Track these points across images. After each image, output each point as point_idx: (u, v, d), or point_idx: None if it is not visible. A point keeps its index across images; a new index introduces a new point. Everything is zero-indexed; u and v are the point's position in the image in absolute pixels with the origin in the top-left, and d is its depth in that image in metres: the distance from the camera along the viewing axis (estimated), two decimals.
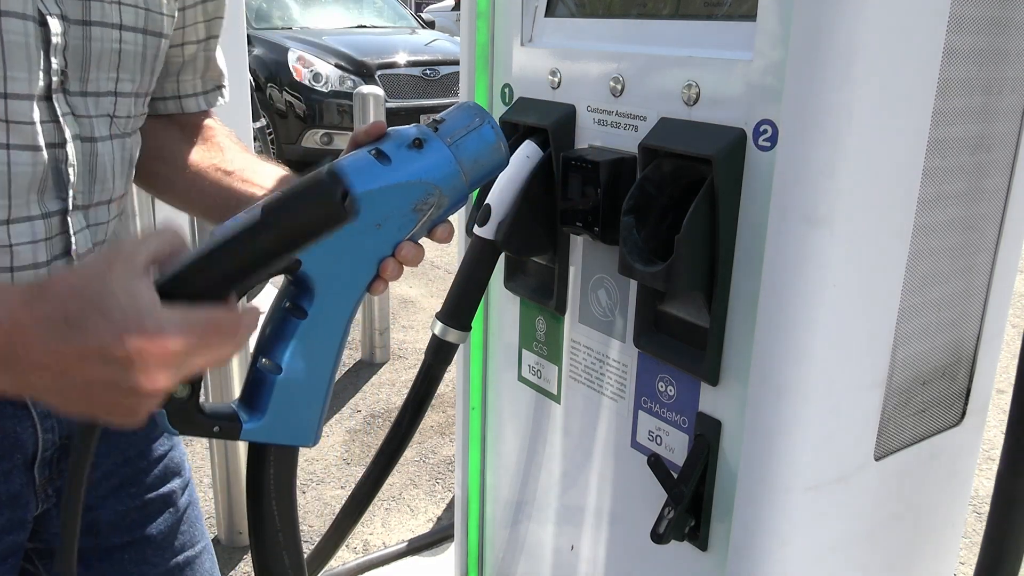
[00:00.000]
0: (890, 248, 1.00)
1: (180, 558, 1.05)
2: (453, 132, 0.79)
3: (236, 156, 1.06)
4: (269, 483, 0.79)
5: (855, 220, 0.94)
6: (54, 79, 0.78)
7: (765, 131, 0.96)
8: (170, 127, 1.06)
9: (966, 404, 1.22)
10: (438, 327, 1.23)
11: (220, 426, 0.74)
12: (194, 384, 0.70)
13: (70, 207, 0.81)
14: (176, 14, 0.95)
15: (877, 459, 1.10)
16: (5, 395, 0.68)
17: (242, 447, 2.43)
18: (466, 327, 1.22)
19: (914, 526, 1.23)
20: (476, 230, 1.23)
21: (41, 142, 0.77)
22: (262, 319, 0.75)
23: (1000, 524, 1.05)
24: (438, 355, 1.24)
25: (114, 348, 0.58)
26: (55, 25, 0.76)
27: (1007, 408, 1.11)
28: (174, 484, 1.05)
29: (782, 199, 0.93)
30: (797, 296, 0.95)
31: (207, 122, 1.09)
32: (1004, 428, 1.12)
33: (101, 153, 0.85)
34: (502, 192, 1.23)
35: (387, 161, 0.75)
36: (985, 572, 1.05)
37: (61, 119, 0.79)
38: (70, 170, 0.81)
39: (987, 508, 1.14)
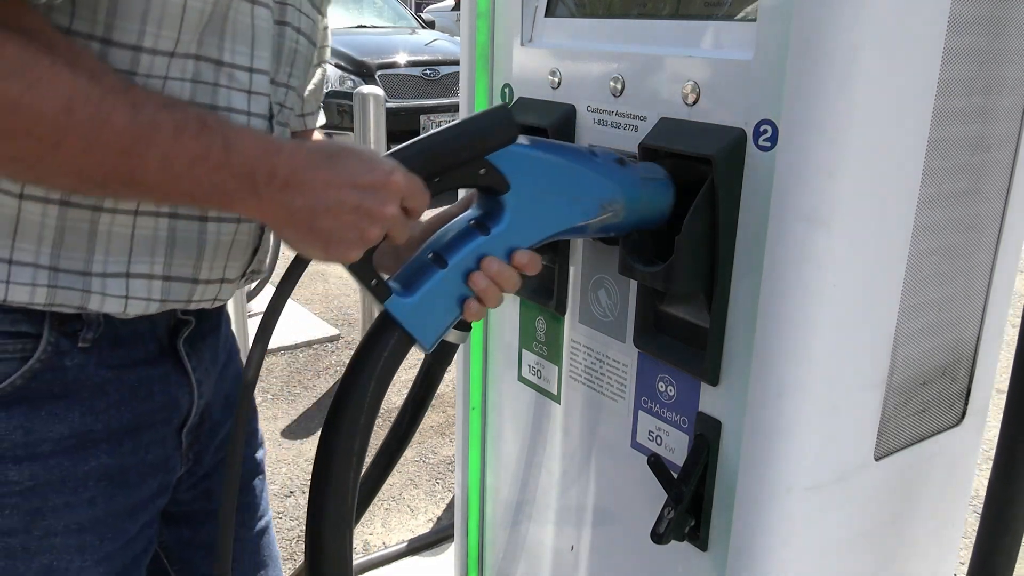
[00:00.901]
0: (890, 248, 1.00)
1: (262, 523, 1.16)
2: (646, 171, 1.00)
3: None
4: (377, 365, 0.85)
5: (855, 220, 0.94)
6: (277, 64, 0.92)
7: (765, 131, 0.96)
8: None
9: (966, 404, 1.22)
10: None
11: (378, 282, 0.84)
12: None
13: None
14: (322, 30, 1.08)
15: (877, 459, 1.10)
16: (255, 218, 0.82)
17: None
18: (466, 327, 1.22)
19: (914, 526, 1.23)
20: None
21: (267, 112, 0.90)
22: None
23: (992, 528, 1.04)
24: (438, 355, 1.24)
25: (365, 177, 0.78)
26: (271, 13, 0.89)
27: None
28: (260, 454, 1.17)
29: (782, 199, 0.93)
30: (797, 296, 0.95)
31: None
32: None
33: (274, 133, 0.97)
34: None
35: (594, 159, 0.94)
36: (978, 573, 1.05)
37: (275, 98, 0.93)
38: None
39: None
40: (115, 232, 0.81)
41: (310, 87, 1.12)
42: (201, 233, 0.87)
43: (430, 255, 0.86)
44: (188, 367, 0.95)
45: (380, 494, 2.85)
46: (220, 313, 1.05)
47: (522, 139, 0.91)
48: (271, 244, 1.02)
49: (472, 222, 0.89)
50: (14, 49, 0.65)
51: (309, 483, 0.90)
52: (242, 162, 0.75)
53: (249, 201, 0.77)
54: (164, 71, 0.79)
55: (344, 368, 0.89)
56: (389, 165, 0.80)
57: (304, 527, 0.88)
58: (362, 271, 0.83)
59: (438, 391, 1.27)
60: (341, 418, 0.85)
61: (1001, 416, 1.07)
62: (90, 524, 0.88)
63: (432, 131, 0.85)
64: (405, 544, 2.49)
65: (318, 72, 1.15)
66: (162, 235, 0.85)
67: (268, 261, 1.04)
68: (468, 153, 0.85)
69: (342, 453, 0.85)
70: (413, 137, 0.86)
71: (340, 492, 0.85)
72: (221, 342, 1.06)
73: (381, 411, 0.87)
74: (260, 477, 1.17)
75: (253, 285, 3.88)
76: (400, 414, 1.26)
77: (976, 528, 1.11)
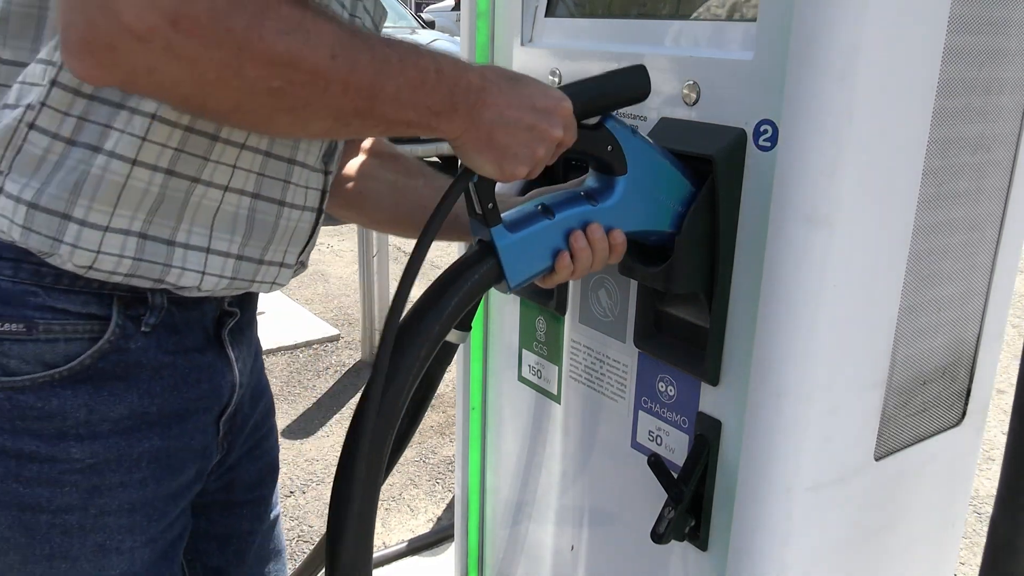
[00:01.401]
0: (890, 248, 1.00)
1: (273, 515, 1.19)
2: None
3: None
4: (464, 285, 0.92)
5: (855, 220, 0.94)
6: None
7: (765, 131, 0.96)
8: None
9: (966, 404, 1.22)
10: None
11: (493, 206, 0.91)
12: None
13: (328, 169, 0.98)
14: None
15: (877, 459, 1.10)
16: (446, 135, 0.85)
17: None
18: (466, 327, 1.22)
19: (914, 526, 1.23)
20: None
21: (318, 205, 0.97)
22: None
23: (1004, 529, 1.04)
24: (438, 355, 1.24)
25: (541, 100, 0.86)
26: None
27: (1007, 408, 1.11)
28: (278, 449, 1.21)
29: (782, 199, 0.93)
30: (797, 296, 0.95)
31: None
32: (1004, 428, 1.12)
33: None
34: (502, 192, 1.23)
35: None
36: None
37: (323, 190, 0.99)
38: (318, 231, 1.02)
39: (987, 508, 1.14)
40: (204, 205, 0.85)
41: None
42: (277, 216, 0.92)
43: (539, 207, 0.94)
44: (231, 357, 0.98)
45: (380, 494, 2.84)
46: (255, 308, 1.09)
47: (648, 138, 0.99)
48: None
49: (583, 192, 0.97)
50: (288, 7, 0.68)
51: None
52: (449, 82, 0.80)
53: (450, 116, 0.82)
54: (233, 160, 0.85)
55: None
56: (560, 93, 0.88)
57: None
58: (484, 191, 0.90)
59: (438, 391, 1.27)
60: (419, 324, 0.91)
61: (1001, 416, 1.07)
62: (140, 505, 0.90)
63: (589, 78, 0.95)
64: (405, 544, 2.49)
65: None
66: (243, 213, 0.89)
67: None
68: (617, 99, 0.96)
69: (411, 359, 0.90)
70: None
71: (396, 392, 0.90)
72: (254, 336, 1.09)
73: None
74: (276, 472, 1.21)
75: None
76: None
77: (976, 528, 1.11)
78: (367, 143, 1.22)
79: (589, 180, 1.00)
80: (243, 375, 1.02)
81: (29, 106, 0.78)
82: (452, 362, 1.28)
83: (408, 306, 0.90)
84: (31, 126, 0.78)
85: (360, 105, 0.75)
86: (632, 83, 0.96)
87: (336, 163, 1.02)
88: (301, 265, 1.03)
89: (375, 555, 2.43)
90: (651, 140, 1.00)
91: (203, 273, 0.87)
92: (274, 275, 0.96)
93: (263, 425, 1.15)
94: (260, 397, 1.14)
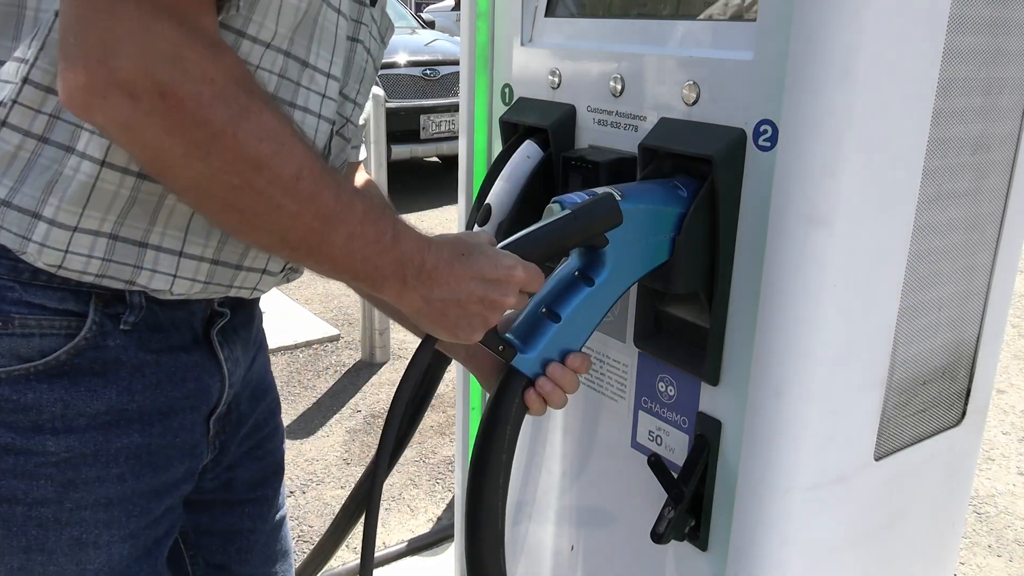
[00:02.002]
0: (890, 248, 1.00)
1: (278, 516, 1.20)
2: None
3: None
4: (511, 412, 0.96)
5: (855, 220, 0.94)
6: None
7: (765, 131, 0.96)
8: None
9: (966, 404, 1.22)
10: None
11: (504, 347, 0.95)
12: None
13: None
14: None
15: (877, 459, 1.10)
16: (395, 302, 0.87)
17: None
18: None
19: (914, 526, 1.23)
20: (476, 230, 1.23)
21: (334, 117, 0.95)
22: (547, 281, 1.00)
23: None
24: (437, 354, 1.24)
25: (491, 272, 0.87)
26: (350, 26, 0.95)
27: (1007, 408, 1.11)
28: (282, 450, 1.21)
29: (782, 199, 0.93)
30: (797, 296, 0.95)
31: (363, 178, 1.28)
32: (1004, 428, 1.12)
33: (334, 145, 1.02)
34: (502, 191, 1.23)
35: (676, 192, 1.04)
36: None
37: (347, 100, 0.99)
38: (331, 145, 0.99)
39: (987, 508, 1.14)
40: (178, 209, 0.85)
41: (364, 116, 1.18)
42: None
43: (543, 310, 0.97)
44: (220, 357, 0.98)
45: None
46: (254, 306, 1.09)
47: (608, 190, 0.98)
48: None
49: (576, 273, 0.99)
50: (271, 116, 0.73)
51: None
52: (403, 252, 0.83)
53: (397, 286, 0.84)
54: (258, 60, 0.83)
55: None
56: (511, 261, 0.90)
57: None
58: (490, 342, 0.94)
59: (438, 391, 1.27)
60: (487, 462, 0.96)
61: (1001, 416, 1.07)
62: (118, 500, 0.90)
63: (545, 222, 0.95)
64: (405, 544, 2.49)
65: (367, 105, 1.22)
66: None
67: None
68: (579, 240, 0.95)
69: (491, 490, 0.97)
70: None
71: (492, 524, 0.97)
72: (253, 335, 1.10)
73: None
74: (281, 472, 1.21)
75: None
76: (400, 417, 1.26)
77: (976, 528, 1.11)
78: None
79: (574, 258, 1.01)
80: (234, 375, 1.02)
81: (1, 103, 0.78)
82: (451, 362, 1.28)
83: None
84: (3, 123, 0.78)
85: (309, 236, 0.77)
86: (595, 219, 0.95)
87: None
88: (292, 271, 1.02)
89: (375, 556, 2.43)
90: (620, 192, 0.99)
91: (175, 276, 0.87)
92: (255, 281, 0.95)
93: (266, 425, 1.15)
94: (262, 397, 1.14)
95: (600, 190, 0.98)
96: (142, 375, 0.88)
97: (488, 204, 1.23)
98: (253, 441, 1.12)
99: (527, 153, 1.25)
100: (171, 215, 0.85)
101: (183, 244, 0.87)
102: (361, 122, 1.17)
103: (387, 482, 2.86)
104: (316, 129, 0.92)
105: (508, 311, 0.94)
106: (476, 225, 1.23)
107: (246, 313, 1.05)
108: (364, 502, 1.32)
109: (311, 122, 0.91)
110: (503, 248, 0.92)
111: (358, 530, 2.60)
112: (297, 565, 1.71)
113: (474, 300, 0.87)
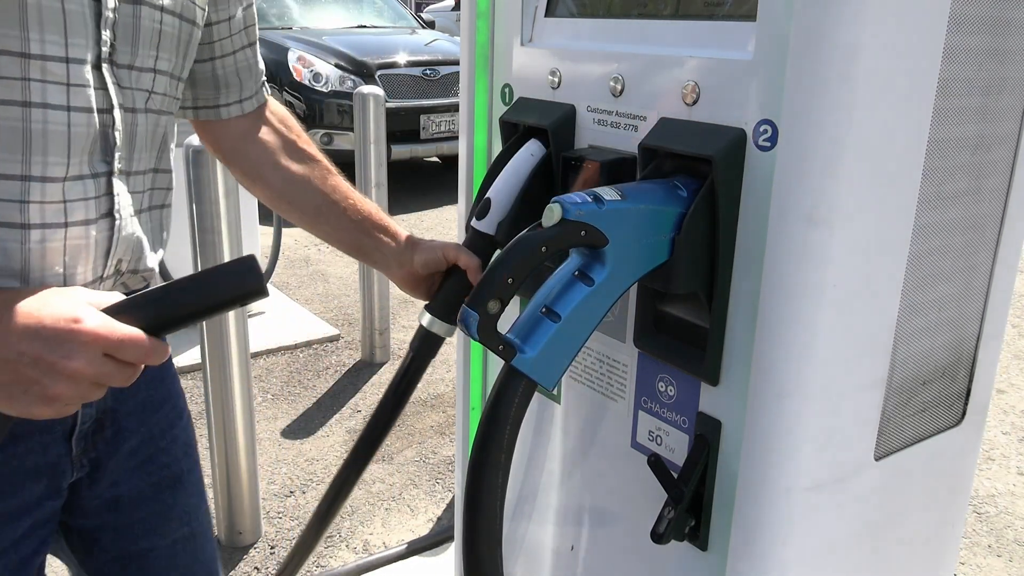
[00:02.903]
0: (890, 248, 1.00)
1: (181, 531, 1.14)
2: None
3: (353, 194, 1.25)
4: (511, 412, 0.95)
5: (855, 220, 0.94)
6: (103, 50, 0.85)
7: (765, 131, 0.96)
8: (248, 125, 1.21)
9: (966, 404, 1.22)
10: (426, 319, 1.23)
11: (504, 347, 0.93)
12: (503, 303, 0.93)
13: (115, 170, 0.89)
14: (207, 8, 1.05)
15: (877, 459, 1.10)
16: None
17: (242, 444, 2.43)
18: (455, 321, 1.23)
19: (914, 526, 1.23)
20: (475, 223, 1.23)
21: (94, 105, 0.84)
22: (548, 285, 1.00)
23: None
24: (423, 347, 1.25)
25: (49, 324, 0.71)
26: (108, 1, 0.84)
27: (1007, 408, 1.11)
28: (187, 462, 1.15)
29: (782, 199, 0.93)
30: (797, 296, 0.95)
31: (277, 113, 1.26)
32: (1004, 428, 1.12)
33: (139, 124, 0.93)
34: (503, 187, 1.23)
35: (675, 192, 1.04)
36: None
37: (110, 87, 0.87)
38: (116, 135, 0.88)
39: (987, 508, 1.14)
40: None
41: (231, 69, 1.16)
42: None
43: (543, 310, 0.96)
44: None
45: (380, 494, 2.85)
46: None
47: (608, 190, 0.98)
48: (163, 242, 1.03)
49: (576, 273, 0.98)
50: None
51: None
52: None
53: None
54: None
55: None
56: (78, 314, 0.72)
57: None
58: (489, 341, 0.93)
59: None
60: (486, 461, 0.96)
61: (1001, 416, 1.07)
62: None
63: (169, 282, 0.80)
64: (405, 546, 2.49)
65: (244, 53, 1.18)
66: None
67: (157, 265, 1.03)
68: (203, 306, 0.80)
69: (489, 490, 0.96)
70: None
71: (490, 523, 0.96)
72: None
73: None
74: (180, 485, 1.14)
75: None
76: (381, 405, 1.26)
77: (976, 528, 1.11)
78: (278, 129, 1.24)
79: (575, 257, 1.00)
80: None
81: None
82: (438, 355, 1.29)
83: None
84: None
85: None
86: (223, 283, 0.80)
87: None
88: (120, 275, 0.92)
89: (375, 557, 2.43)
90: (620, 193, 0.98)
91: None
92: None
93: (160, 438, 1.09)
94: (156, 409, 1.08)
95: (600, 190, 0.98)
96: None
97: (488, 198, 1.23)
98: (143, 455, 1.07)
99: (531, 151, 1.25)
100: None
101: None
102: (238, 68, 1.17)
103: (387, 482, 2.86)
104: (68, 124, 0.81)
105: None
106: (475, 219, 1.23)
107: None
108: (344, 491, 1.32)
109: (58, 117, 0.80)
110: (110, 309, 0.75)
111: (358, 530, 2.59)
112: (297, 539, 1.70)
113: (26, 362, 0.70)
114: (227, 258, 2.32)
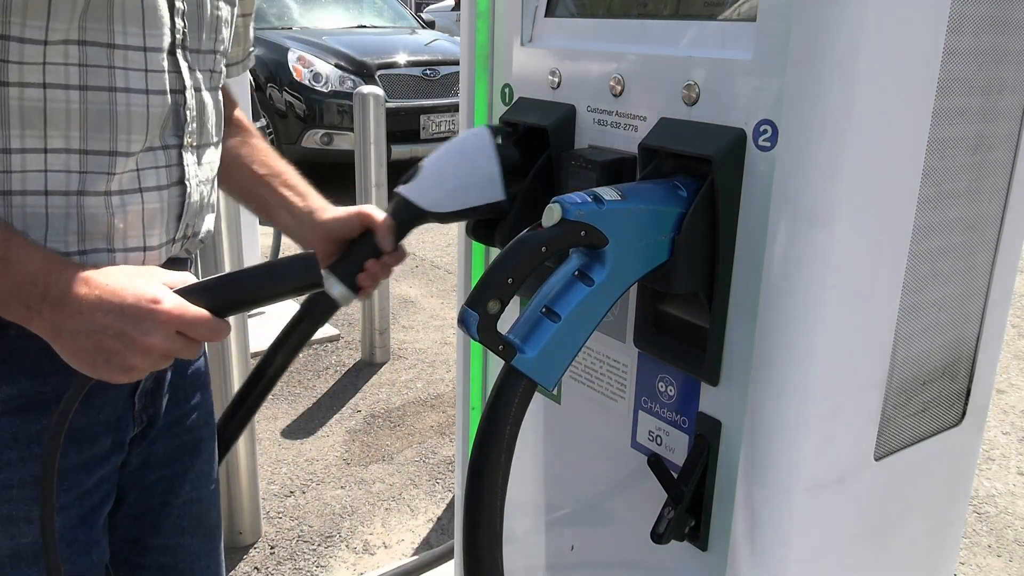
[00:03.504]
0: (890, 248, 1.00)
1: (188, 494, 1.19)
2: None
3: (271, 155, 1.25)
4: (511, 412, 0.95)
5: (855, 220, 0.94)
6: (177, 37, 0.95)
7: (765, 131, 0.96)
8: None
9: (966, 404, 1.22)
10: (327, 281, 1.16)
11: (504, 347, 0.93)
12: (503, 304, 0.93)
13: (184, 143, 0.98)
14: None
15: (877, 459, 1.10)
16: (40, 332, 0.81)
17: (242, 444, 2.43)
18: (353, 287, 1.18)
19: (914, 526, 1.23)
20: (400, 188, 1.21)
21: (167, 87, 0.94)
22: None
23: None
24: (314, 314, 1.22)
25: (131, 302, 0.80)
26: None
27: (1007, 408, 1.11)
28: (207, 429, 1.20)
29: (782, 199, 0.93)
30: (797, 296, 0.95)
31: (240, 113, 1.26)
32: (1004, 428, 1.12)
33: (207, 102, 1.02)
34: (437, 158, 1.22)
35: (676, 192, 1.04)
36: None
37: (183, 70, 0.96)
38: (188, 113, 0.97)
39: (987, 508, 1.14)
40: (27, 105, 0.84)
41: (239, 33, 1.20)
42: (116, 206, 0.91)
43: (543, 310, 0.97)
44: (136, 391, 1.00)
45: (380, 494, 2.85)
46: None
47: (608, 190, 0.98)
48: (215, 210, 1.09)
49: (576, 273, 0.98)
50: None
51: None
52: (18, 277, 0.78)
53: (21, 312, 0.80)
54: (40, 58, 0.82)
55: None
56: (154, 293, 0.81)
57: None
58: (489, 341, 0.93)
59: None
60: (486, 461, 0.96)
61: (1001, 416, 1.07)
62: None
63: (238, 270, 0.89)
64: (413, 561, 2.48)
65: (238, 22, 1.20)
66: (73, 107, 0.87)
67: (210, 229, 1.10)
68: (266, 293, 0.90)
69: (490, 490, 0.96)
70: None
71: (491, 523, 0.97)
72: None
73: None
74: (199, 450, 1.19)
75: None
76: (265, 360, 1.23)
77: (976, 528, 1.11)
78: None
79: (575, 257, 1.00)
80: (147, 411, 1.03)
81: None
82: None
83: None
84: None
85: None
86: (287, 275, 0.90)
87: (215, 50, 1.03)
88: (187, 240, 1.01)
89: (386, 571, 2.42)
90: (620, 193, 0.99)
91: (45, 172, 0.85)
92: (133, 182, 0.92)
93: (186, 403, 1.15)
94: (185, 376, 1.14)
95: (600, 190, 0.98)
96: (51, 359, 0.85)
97: (420, 165, 1.22)
98: (174, 417, 1.13)
99: (475, 132, 1.25)
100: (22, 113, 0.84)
101: (45, 141, 0.85)
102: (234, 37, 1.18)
103: (387, 482, 2.86)
104: (147, 105, 0.91)
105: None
106: (401, 183, 1.21)
107: None
108: (234, 433, 1.28)
109: (139, 100, 0.90)
110: (183, 291, 0.85)
111: (359, 530, 2.57)
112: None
113: (110, 334, 0.79)
114: (227, 258, 2.33)
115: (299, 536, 2.57)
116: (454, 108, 6.59)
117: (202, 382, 1.19)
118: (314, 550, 2.51)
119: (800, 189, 0.92)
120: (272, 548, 2.52)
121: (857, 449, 1.07)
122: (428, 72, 6.83)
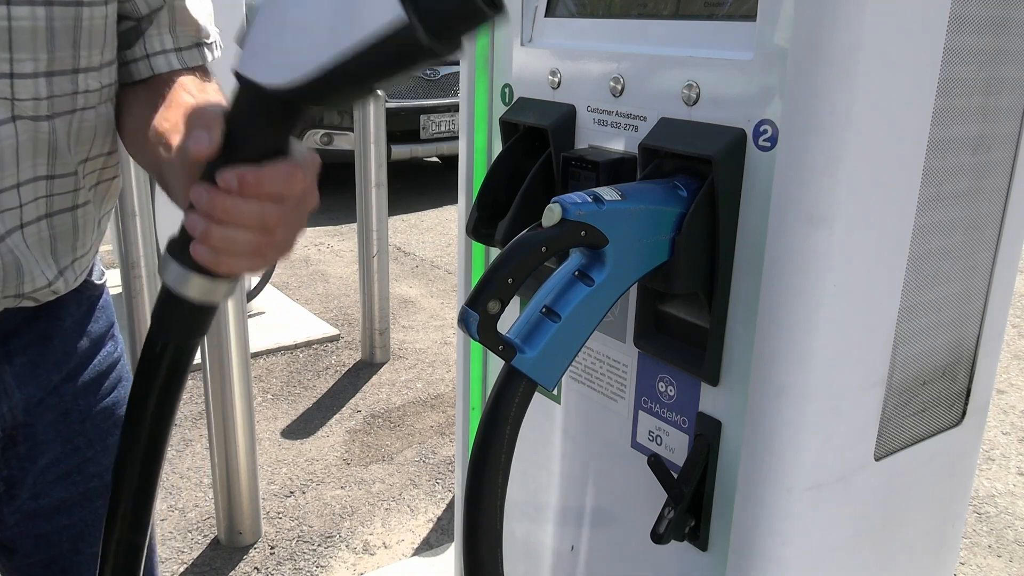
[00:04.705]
0: (890, 248, 1.00)
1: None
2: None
3: (173, 111, 0.89)
4: (511, 412, 0.95)
5: (855, 220, 0.94)
6: None
7: (765, 131, 0.96)
8: (143, 91, 0.94)
9: (966, 404, 1.22)
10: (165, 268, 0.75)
11: (504, 347, 0.93)
12: (503, 304, 0.91)
13: None
14: None
15: (877, 459, 1.10)
16: None
17: (242, 445, 2.43)
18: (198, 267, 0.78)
19: (914, 526, 1.23)
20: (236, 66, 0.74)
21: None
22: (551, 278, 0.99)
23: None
24: (197, 320, 0.75)
25: None
26: None
27: (1007, 408, 1.11)
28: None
29: (782, 199, 0.93)
30: (797, 296, 0.95)
31: (183, 79, 0.95)
32: (1004, 428, 1.12)
33: (2, 136, 0.80)
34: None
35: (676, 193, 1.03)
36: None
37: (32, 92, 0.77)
38: None
39: (987, 508, 1.14)
40: None
41: (154, 29, 0.94)
42: None
43: (543, 310, 0.96)
44: None
45: (380, 494, 2.85)
46: (48, 324, 0.95)
47: (608, 190, 0.97)
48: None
49: (576, 273, 0.98)
50: None
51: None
52: None
53: None
54: None
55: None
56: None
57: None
58: (489, 341, 0.93)
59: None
60: (486, 461, 0.96)
61: (1001, 416, 1.07)
62: None
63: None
64: None
65: (157, 3, 0.93)
66: None
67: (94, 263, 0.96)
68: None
69: (490, 490, 0.96)
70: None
71: (491, 523, 0.97)
72: (55, 356, 0.97)
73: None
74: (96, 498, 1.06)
75: (252, 285, 3.88)
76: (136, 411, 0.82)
77: (976, 528, 1.11)
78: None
79: (575, 257, 1.01)
80: (2, 405, 0.92)
81: None
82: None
83: None
84: None
85: None
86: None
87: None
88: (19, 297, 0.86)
89: None
90: (620, 193, 0.98)
91: None
92: None
93: (88, 448, 1.03)
94: (82, 420, 1.02)
95: (600, 190, 0.98)
96: None
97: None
98: (68, 466, 1.01)
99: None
100: None
101: None
102: (170, 25, 0.94)
103: (387, 482, 2.86)
104: None
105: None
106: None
107: (30, 337, 0.93)
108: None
109: None
110: None
111: (359, 530, 2.58)
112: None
113: None
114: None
115: (299, 536, 2.57)
116: (454, 108, 6.59)
117: (114, 422, 1.04)
118: (314, 550, 2.51)
119: (800, 189, 0.92)
120: (272, 548, 2.52)
121: (857, 449, 1.07)
122: (428, 72, 6.83)
